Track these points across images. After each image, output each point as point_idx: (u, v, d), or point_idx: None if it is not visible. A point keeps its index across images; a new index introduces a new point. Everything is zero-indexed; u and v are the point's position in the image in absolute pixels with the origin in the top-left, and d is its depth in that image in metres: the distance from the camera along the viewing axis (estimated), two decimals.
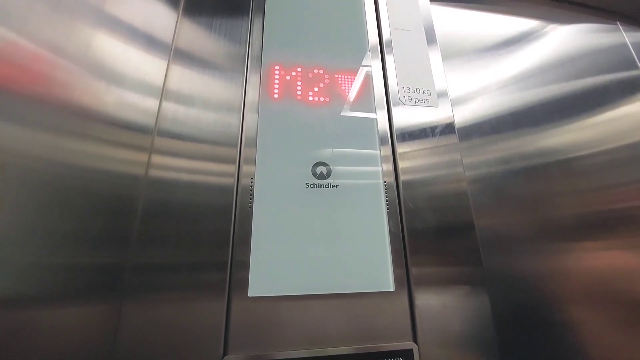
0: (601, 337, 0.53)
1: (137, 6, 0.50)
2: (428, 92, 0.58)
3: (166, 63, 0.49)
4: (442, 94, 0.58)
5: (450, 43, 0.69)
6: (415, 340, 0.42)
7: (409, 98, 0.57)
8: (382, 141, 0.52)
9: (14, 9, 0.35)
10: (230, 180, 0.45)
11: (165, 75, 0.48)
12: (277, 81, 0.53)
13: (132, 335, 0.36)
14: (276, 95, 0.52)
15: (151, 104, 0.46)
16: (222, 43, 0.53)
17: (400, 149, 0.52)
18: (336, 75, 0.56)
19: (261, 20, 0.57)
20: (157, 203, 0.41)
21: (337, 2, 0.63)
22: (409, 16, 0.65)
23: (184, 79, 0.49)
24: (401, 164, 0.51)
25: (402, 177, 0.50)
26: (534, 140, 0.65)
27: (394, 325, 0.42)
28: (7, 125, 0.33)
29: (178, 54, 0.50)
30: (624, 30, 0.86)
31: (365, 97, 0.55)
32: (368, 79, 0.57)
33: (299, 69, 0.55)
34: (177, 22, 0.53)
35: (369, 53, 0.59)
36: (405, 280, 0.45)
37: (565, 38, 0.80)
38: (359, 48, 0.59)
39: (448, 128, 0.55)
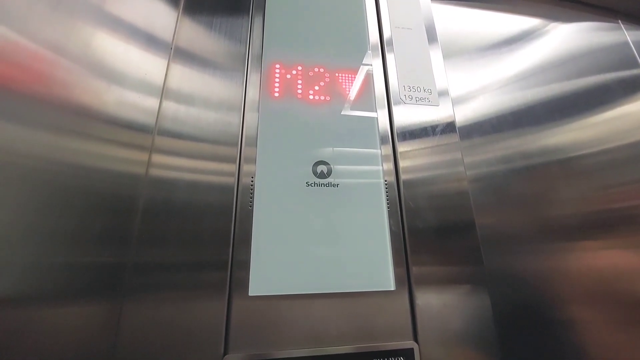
0: (602, 337, 0.53)
1: (138, 5, 0.50)
2: (429, 90, 0.58)
3: (166, 62, 0.49)
4: (443, 93, 0.58)
5: (451, 41, 0.69)
6: (415, 339, 0.42)
7: (410, 97, 0.56)
8: (383, 140, 0.52)
9: (14, 9, 0.35)
10: (231, 180, 0.45)
11: (166, 74, 0.48)
12: (277, 80, 0.53)
13: (132, 334, 0.36)
14: (277, 94, 0.52)
15: (151, 103, 0.46)
16: (222, 42, 0.53)
17: (401, 147, 0.52)
18: (337, 74, 0.55)
19: (261, 18, 0.57)
20: (157, 202, 0.41)
21: (338, 0, 0.63)
22: (410, 14, 0.64)
23: (184, 78, 0.49)
24: (402, 163, 0.51)
25: (402, 176, 0.50)
26: (535, 139, 0.65)
27: (395, 324, 0.42)
28: (8, 124, 0.33)
29: (178, 53, 0.50)
30: (626, 29, 0.85)
31: (366, 96, 0.55)
32: (369, 77, 0.57)
33: (300, 68, 0.55)
34: (177, 21, 0.52)
35: (369, 51, 0.59)
36: (406, 279, 0.44)
37: (566, 37, 0.79)
38: (360, 46, 0.59)
39: (449, 127, 0.55)
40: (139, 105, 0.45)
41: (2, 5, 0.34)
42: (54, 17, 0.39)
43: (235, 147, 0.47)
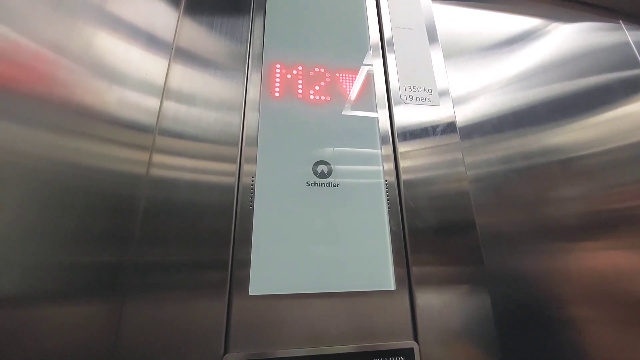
0: (602, 337, 0.53)
1: (138, 5, 0.50)
2: (429, 90, 0.58)
3: (167, 62, 0.49)
4: (444, 93, 0.58)
5: (452, 42, 0.69)
6: (416, 339, 0.42)
7: (411, 97, 0.56)
8: (383, 140, 0.52)
9: (15, 8, 0.35)
10: (231, 179, 0.45)
11: (167, 74, 0.48)
12: (278, 80, 0.53)
13: (133, 333, 0.36)
14: (277, 94, 0.52)
15: (152, 103, 0.46)
16: (223, 42, 0.53)
17: (402, 148, 0.52)
18: (337, 74, 0.56)
19: (262, 18, 0.57)
20: (158, 202, 0.41)
21: (339, 0, 0.63)
22: (410, 15, 0.64)
23: (185, 78, 0.49)
24: (402, 163, 0.51)
25: (403, 176, 0.50)
26: (536, 139, 0.65)
27: (395, 324, 0.42)
28: (9, 124, 0.33)
29: (179, 53, 0.50)
30: (627, 29, 0.85)
31: (366, 96, 0.55)
32: (369, 77, 0.57)
33: (300, 68, 0.55)
34: (178, 21, 0.53)
35: (370, 52, 0.59)
36: (406, 279, 0.44)
37: (567, 37, 0.79)
38: (360, 47, 0.59)
39: (449, 127, 0.55)
40: (140, 105, 0.45)
41: (3, 5, 0.34)
42: (55, 17, 0.39)
43: (236, 147, 0.47)
